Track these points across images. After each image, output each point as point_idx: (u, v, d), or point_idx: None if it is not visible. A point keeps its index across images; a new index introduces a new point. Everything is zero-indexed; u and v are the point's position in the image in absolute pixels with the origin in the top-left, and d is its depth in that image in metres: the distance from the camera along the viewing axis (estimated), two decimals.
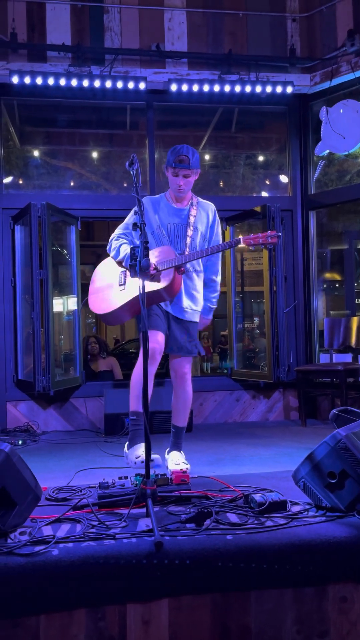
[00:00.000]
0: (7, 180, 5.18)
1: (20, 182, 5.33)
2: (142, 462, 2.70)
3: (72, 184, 5.48)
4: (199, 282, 3.19)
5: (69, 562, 1.85)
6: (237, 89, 4.97)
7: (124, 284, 3.08)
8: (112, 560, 1.87)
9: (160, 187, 5.36)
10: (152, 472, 2.32)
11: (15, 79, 4.68)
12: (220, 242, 3.24)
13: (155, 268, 2.96)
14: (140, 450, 2.86)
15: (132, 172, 2.59)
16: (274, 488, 2.48)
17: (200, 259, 3.15)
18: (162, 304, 3.08)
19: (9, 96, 5.04)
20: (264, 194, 5.68)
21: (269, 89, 4.99)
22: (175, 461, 3.06)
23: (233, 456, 3.56)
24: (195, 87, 4.93)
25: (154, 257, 3.02)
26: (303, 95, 5.32)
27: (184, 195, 3.19)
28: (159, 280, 2.97)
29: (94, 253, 15.85)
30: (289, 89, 5.03)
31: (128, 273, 3.09)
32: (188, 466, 3.00)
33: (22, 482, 2.08)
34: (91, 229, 14.09)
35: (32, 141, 5.50)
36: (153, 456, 2.65)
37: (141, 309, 2.35)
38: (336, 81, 5.02)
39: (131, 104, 5.29)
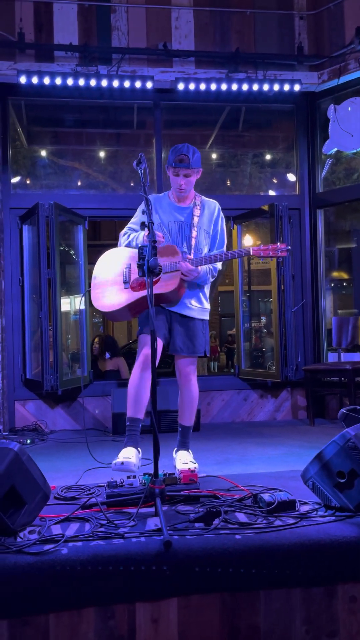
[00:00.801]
0: (15, 180, 5.19)
1: (28, 182, 5.35)
2: (120, 464, 2.67)
3: (79, 183, 5.49)
4: (202, 277, 3.09)
5: (78, 561, 1.86)
6: (245, 87, 4.95)
7: (129, 281, 3.04)
8: (121, 559, 1.88)
9: (168, 186, 5.31)
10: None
11: (22, 79, 4.70)
12: (225, 240, 3.20)
13: (159, 272, 2.92)
14: (121, 454, 2.79)
15: (139, 172, 2.59)
16: (283, 487, 2.48)
17: (202, 248, 3.10)
18: (171, 307, 3.06)
19: (16, 96, 5.05)
20: (272, 192, 5.67)
21: (276, 87, 4.98)
22: (183, 460, 3.04)
23: (241, 455, 3.56)
24: (203, 86, 4.93)
25: (158, 255, 2.87)
26: (311, 93, 5.30)
27: (185, 195, 3.14)
28: (161, 281, 2.94)
29: (101, 253, 15.86)
30: (297, 87, 5.01)
31: (132, 269, 3.04)
32: (196, 465, 2.98)
33: (31, 481, 2.08)
34: (98, 229, 14.11)
35: (40, 141, 5.52)
36: (125, 459, 2.68)
37: (148, 309, 2.35)
38: (344, 79, 4.99)
39: (138, 103, 5.29)
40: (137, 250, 2.75)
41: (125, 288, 3.04)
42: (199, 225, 3.10)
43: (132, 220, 3.26)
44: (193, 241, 3.05)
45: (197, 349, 3.07)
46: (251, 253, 2.93)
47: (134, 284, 3.02)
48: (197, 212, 3.12)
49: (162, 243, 3.03)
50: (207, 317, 3.17)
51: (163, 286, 2.95)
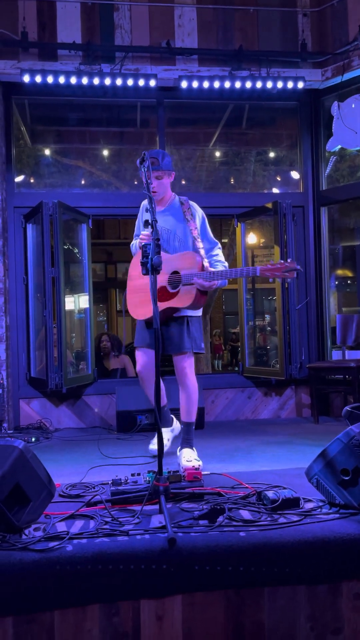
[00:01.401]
0: (19, 179, 5.21)
1: (32, 180, 5.36)
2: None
3: (83, 182, 5.49)
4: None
5: (83, 558, 1.86)
6: (248, 85, 4.94)
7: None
8: (126, 556, 1.88)
9: (171, 185, 5.35)
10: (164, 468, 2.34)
11: (26, 78, 4.70)
12: (208, 233, 3.26)
13: (178, 282, 3.03)
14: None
15: (143, 170, 2.60)
16: (287, 485, 2.48)
17: (182, 243, 3.20)
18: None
19: (20, 95, 5.06)
20: (275, 190, 5.66)
21: (280, 84, 4.97)
22: (187, 458, 3.09)
23: (245, 453, 3.56)
24: (206, 84, 4.92)
25: (176, 263, 3.10)
26: (314, 91, 5.28)
27: (159, 197, 3.26)
28: (180, 295, 3.04)
29: (105, 251, 15.89)
30: (300, 85, 4.99)
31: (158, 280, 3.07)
32: (200, 463, 3.03)
33: (36, 479, 2.09)
34: (102, 227, 14.13)
35: (43, 140, 5.52)
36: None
37: (153, 308, 2.37)
38: (348, 76, 4.98)
39: (141, 101, 5.29)
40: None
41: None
42: (174, 227, 3.21)
43: (135, 226, 3.44)
44: (177, 243, 3.19)
45: (183, 346, 3.15)
46: (258, 273, 2.92)
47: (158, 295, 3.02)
48: (188, 213, 3.23)
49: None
50: (191, 314, 3.21)
51: (181, 299, 3.04)
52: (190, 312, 3.21)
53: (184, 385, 3.22)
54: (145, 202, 3.36)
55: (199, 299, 3.03)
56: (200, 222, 3.25)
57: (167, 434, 3.43)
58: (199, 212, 3.29)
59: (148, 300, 2.88)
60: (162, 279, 3.08)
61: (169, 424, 3.49)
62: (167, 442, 3.37)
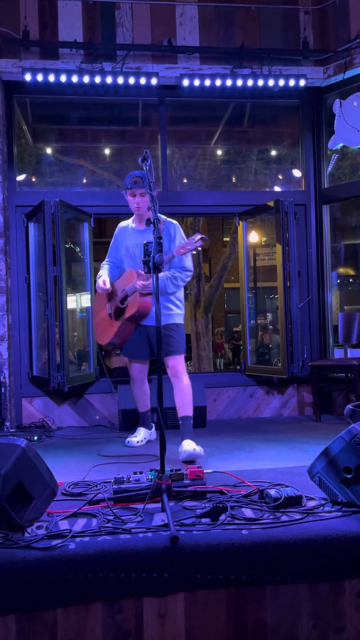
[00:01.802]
0: (21, 178, 5.21)
1: (34, 179, 5.36)
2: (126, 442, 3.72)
3: (84, 181, 5.49)
4: (166, 289, 3.50)
5: (86, 556, 1.87)
6: (250, 83, 4.94)
7: (112, 315, 3.67)
8: (128, 554, 1.88)
9: (173, 183, 5.36)
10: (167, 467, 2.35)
11: (27, 77, 4.70)
12: (184, 264, 3.54)
13: (126, 296, 3.54)
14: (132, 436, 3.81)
15: (144, 168, 2.60)
16: (289, 483, 2.48)
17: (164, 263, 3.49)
18: (143, 321, 3.58)
19: (21, 94, 5.06)
20: (277, 188, 5.65)
21: (281, 82, 4.96)
22: (190, 445, 3.32)
23: (247, 451, 3.56)
24: (207, 82, 4.91)
25: (121, 284, 3.65)
26: (316, 89, 5.27)
27: (142, 213, 3.61)
28: (129, 305, 3.51)
29: (106, 250, 15.91)
30: (302, 82, 4.98)
31: (111, 304, 3.69)
32: (201, 449, 3.29)
33: (38, 477, 2.10)
34: (103, 226, 14.12)
35: (45, 139, 5.52)
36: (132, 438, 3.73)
37: (156, 307, 2.40)
38: (349, 73, 4.97)
39: (143, 99, 5.28)
40: (106, 290, 3.61)
41: (110, 321, 3.68)
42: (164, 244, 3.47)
43: (110, 246, 3.85)
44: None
45: (173, 350, 3.54)
46: (174, 254, 3.18)
47: (112, 314, 3.65)
48: (150, 230, 3.46)
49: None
50: (179, 321, 3.65)
51: (131, 308, 3.49)
52: (179, 320, 3.64)
53: (179, 379, 3.52)
54: (121, 225, 3.80)
55: (144, 303, 3.44)
56: (177, 240, 3.52)
57: (145, 434, 3.89)
58: (175, 230, 3.55)
59: (108, 326, 3.67)
60: (116, 302, 3.65)
61: (149, 427, 3.96)
62: (142, 441, 3.82)
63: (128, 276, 3.57)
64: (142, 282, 3.36)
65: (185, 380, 3.54)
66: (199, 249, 3.09)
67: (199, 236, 3.06)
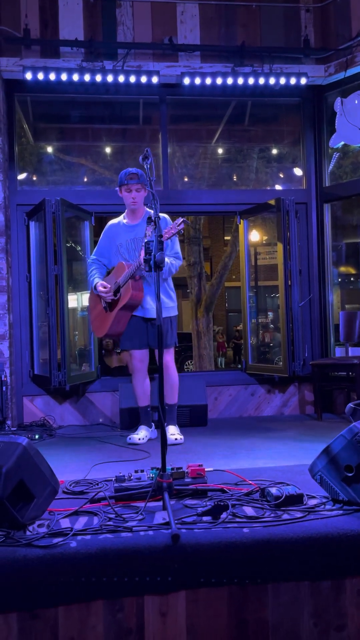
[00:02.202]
0: (21, 176, 5.21)
1: (34, 178, 5.36)
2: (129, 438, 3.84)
3: (85, 179, 5.49)
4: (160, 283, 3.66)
5: (87, 554, 1.87)
6: (251, 81, 4.93)
7: (107, 308, 3.87)
8: (130, 552, 1.89)
9: (174, 181, 5.35)
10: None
11: (28, 75, 4.70)
12: (175, 247, 3.78)
13: (119, 287, 3.73)
14: (134, 434, 3.91)
15: (145, 167, 2.60)
16: (290, 481, 2.48)
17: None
18: (138, 312, 3.78)
19: (22, 92, 5.05)
20: (278, 187, 5.65)
21: (282, 80, 4.95)
22: (171, 432, 3.78)
23: (249, 450, 3.56)
24: (208, 80, 4.91)
25: (113, 278, 3.83)
26: (317, 87, 5.27)
27: (137, 207, 3.78)
28: (122, 295, 3.71)
29: None
30: (303, 81, 4.98)
31: (106, 299, 3.87)
32: (181, 437, 3.76)
33: (39, 476, 2.10)
34: (104, 225, 14.11)
35: (46, 137, 5.52)
36: (134, 435, 3.85)
37: (157, 305, 2.41)
38: (351, 71, 4.96)
39: (144, 98, 5.28)
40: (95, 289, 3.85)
41: (106, 313, 3.86)
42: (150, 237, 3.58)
43: (95, 250, 4.03)
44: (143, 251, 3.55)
45: (167, 343, 3.83)
46: (163, 239, 3.30)
47: (107, 307, 3.86)
48: (150, 228, 3.59)
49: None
50: (173, 313, 3.87)
51: (124, 297, 3.67)
52: (172, 313, 3.84)
53: (168, 374, 3.82)
54: (112, 222, 3.95)
55: (136, 291, 3.66)
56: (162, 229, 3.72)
57: (146, 432, 3.95)
58: (164, 222, 3.73)
59: (104, 319, 3.88)
60: (109, 296, 3.83)
61: (150, 424, 4.03)
62: (143, 438, 3.87)
63: (119, 269, 3.79)
64: (131, 267, 3.62)
65: (173, 372, 3.90)
66: (182, 232, 3.34)
67: (180, 219, 3.29)
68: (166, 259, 3.65)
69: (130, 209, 3.83)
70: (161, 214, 3.69)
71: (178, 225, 3.28)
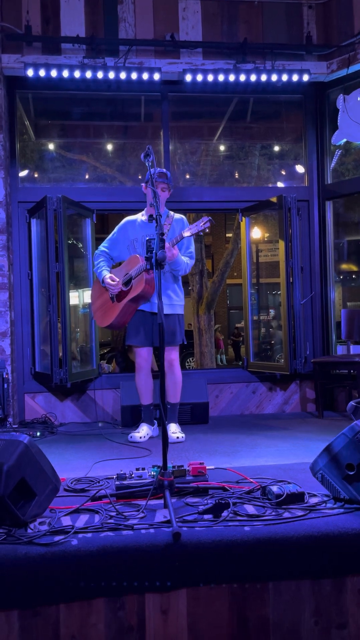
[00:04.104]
0: (23, 173, 5.20)
1: (36, 175, 5.35)
2: (130, 437, 3.82)
3: (87, 176, 5.48)
4: (172, 281, 3.82)
5: (88, 552, 1.87)
6: (253, 78, 4.91)
7: (115, 298, 3.88)
8: (131, 550, 1.89)
9: (175, 179, 5.34)
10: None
11: (30, 72, 4.69)
12: (191, 247, 3.86)
13: (130, 278, 3.74)
14: (136, 431, 3.89)
15: (147, 164, 2.60)
16: (292, 480, 2.48)
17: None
18: (145, 307, 3.81)
19: (23, 89, 5.04)
20: (280, 184, 5.63)
21: (284, 77, 4.93)
22: (172, 430, 3.79)
23: (250, 448, 3.56)
24: (210, 77, 4.89)
25: (123, 270, 3.85)
26: (320, 84, 5.25)
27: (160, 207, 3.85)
28: (133, 286, 3.71)
29: None
30: (305, 77, 4.96)
31: (109, 292, 3.90)
32: (183, 435, 3.77)
33: (41, 473, 2.10)
34: (106, 222, 14.11)
35: (47, 134, 5.51)
36: (135, 433, 3.83)
37: (158, 303, 2.39)
38: (353, 68, 4.94)
39: (145, 95, 5.26)
40: (102, 282, 3.85)
41: (113, 304, 3.87)
42: (168, 236, 3.71)
43: (110, 236, 4.01)
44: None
45: (175, 340, 3.84)
46: (184, 235, 3.51)
47: (114, 297, 3.87)
48: (166, 226, 3.77)
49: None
50: (181, 311, 3.91)
51: (137, 289, 3.67)
52: (180, 310, 3.87)
53: (172, 373, 3.85)
54: (129, 218, 3.99)
55: (149, 284, 3.64)
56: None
57: (148, 429, 3.95)
58: (185, 221, 3.90)
59: (110, 309, 3.88)
60: (118, 288, 3.83)
61: (152, 422, 4.05)
62: (144, 436, 3.86)
63: (132, 261, 3.80)
64: (174, 252, 3.60)
65: (178, 372, 3.90)
66: (207, 230, 3.36)
67: (206, 219, 3.34)
68: (183, 258, 3.77)
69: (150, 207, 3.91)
70: (177, 215, 3.90)
71: (204, 224, 3.34)
